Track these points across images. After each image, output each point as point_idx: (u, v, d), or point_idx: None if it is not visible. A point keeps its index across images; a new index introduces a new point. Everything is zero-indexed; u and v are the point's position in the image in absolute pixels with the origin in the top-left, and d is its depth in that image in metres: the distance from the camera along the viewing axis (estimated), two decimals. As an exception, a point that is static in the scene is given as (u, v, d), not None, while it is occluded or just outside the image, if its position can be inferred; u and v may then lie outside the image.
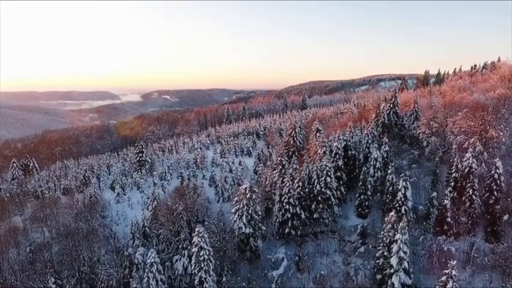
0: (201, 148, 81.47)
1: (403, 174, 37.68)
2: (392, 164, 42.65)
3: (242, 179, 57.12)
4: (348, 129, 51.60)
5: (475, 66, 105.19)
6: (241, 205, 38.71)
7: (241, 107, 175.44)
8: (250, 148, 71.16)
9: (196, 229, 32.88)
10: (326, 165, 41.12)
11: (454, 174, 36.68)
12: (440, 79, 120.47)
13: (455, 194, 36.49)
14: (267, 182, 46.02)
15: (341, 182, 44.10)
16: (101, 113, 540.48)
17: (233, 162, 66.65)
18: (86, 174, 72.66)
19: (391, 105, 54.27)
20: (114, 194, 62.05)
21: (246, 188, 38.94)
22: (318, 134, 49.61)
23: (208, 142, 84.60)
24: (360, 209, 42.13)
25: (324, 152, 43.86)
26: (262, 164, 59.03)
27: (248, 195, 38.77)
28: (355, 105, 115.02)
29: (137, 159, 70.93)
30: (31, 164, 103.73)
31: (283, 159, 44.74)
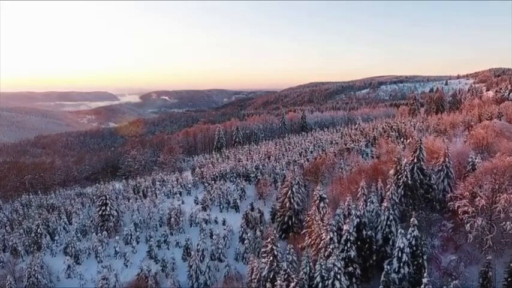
0: (180, 193, 70.82)
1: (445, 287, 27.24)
2: (425, 258, 32.46)
3: (224, 252, 46.61)
4: (361, 192, 41.24)
5: (501, 89, 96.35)
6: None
7: (235, 125, 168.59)
8: (238, 201, 60.48)
9: None
10: (334, 265, 30.59)
11: (521, 291, 26.28)
12: (457, 101, 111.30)
13: (523, 320, 26.14)
14: (253, 276, 35.37)
15: (354, 280, 33.64)
16: (98, 115, 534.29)
17: (216, 221, 56.05)
18: (39, 230, 61.64)
19: (415, 159, 44.02)
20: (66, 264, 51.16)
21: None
22: (321, 204, 39.26)
23: (190, 186, 73.91)
24: (381, 323, 31.51)
25: (331, 239, 33.35)
26: (250, 230, 48.45)
27: (223, 315, 28.14)
28: (361, 131, 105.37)
29: (100, 213, 60.20)
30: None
31: (274, 247, 34.25)
